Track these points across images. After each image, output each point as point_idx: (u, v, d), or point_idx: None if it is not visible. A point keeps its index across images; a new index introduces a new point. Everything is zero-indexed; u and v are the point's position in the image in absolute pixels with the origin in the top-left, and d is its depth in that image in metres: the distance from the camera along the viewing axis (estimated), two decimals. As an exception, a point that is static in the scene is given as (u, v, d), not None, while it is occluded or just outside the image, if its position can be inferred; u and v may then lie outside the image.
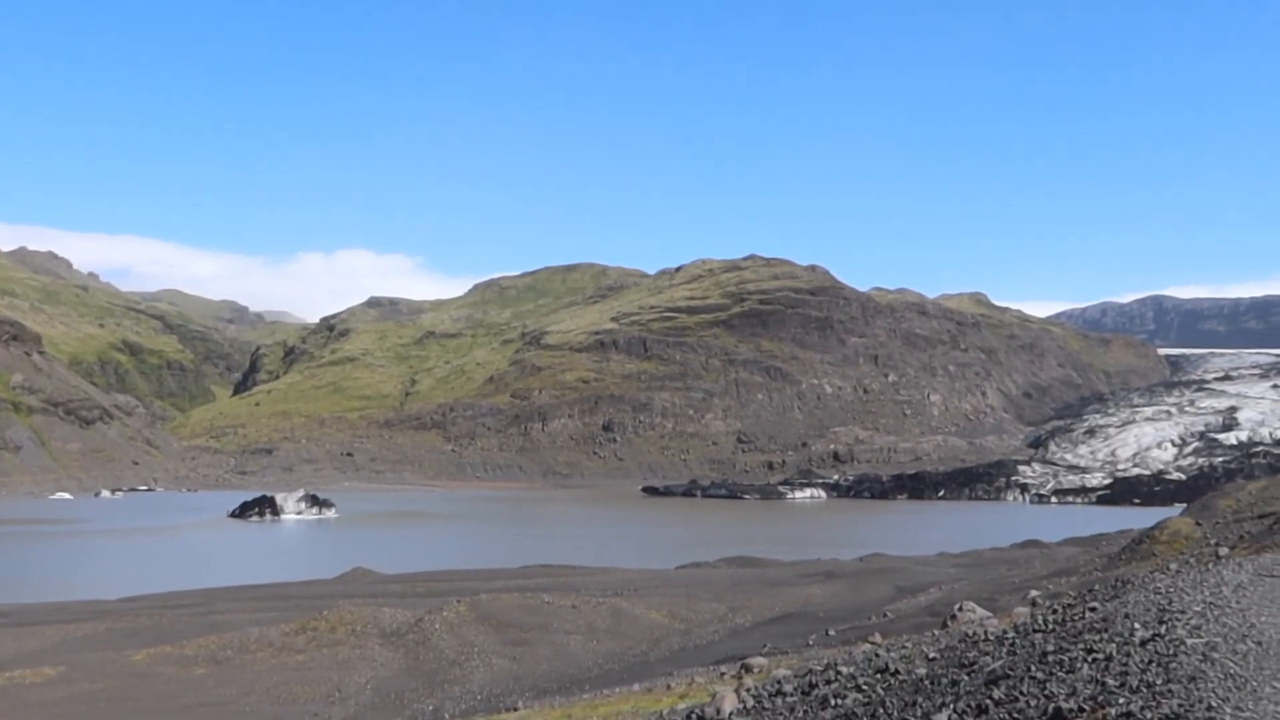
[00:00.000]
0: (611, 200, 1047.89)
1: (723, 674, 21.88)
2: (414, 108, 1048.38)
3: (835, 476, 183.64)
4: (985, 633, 13.76)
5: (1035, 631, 12.24)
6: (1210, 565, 13.86)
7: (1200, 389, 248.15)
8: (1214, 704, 8.89)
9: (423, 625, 37.48)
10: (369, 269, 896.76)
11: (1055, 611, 13.45)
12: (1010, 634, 12.50)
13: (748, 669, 21.06)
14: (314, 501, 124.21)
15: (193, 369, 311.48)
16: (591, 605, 42.87)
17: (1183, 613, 10.65)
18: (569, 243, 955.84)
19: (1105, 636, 10.93)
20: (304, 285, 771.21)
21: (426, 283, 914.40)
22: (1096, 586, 14.70)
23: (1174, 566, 21.68)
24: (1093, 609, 12.44)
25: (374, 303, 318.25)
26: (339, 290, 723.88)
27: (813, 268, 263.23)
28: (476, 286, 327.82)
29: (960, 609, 21.66)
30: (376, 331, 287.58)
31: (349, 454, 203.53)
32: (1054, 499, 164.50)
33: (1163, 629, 10.60)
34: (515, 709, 25.31)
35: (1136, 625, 10.90)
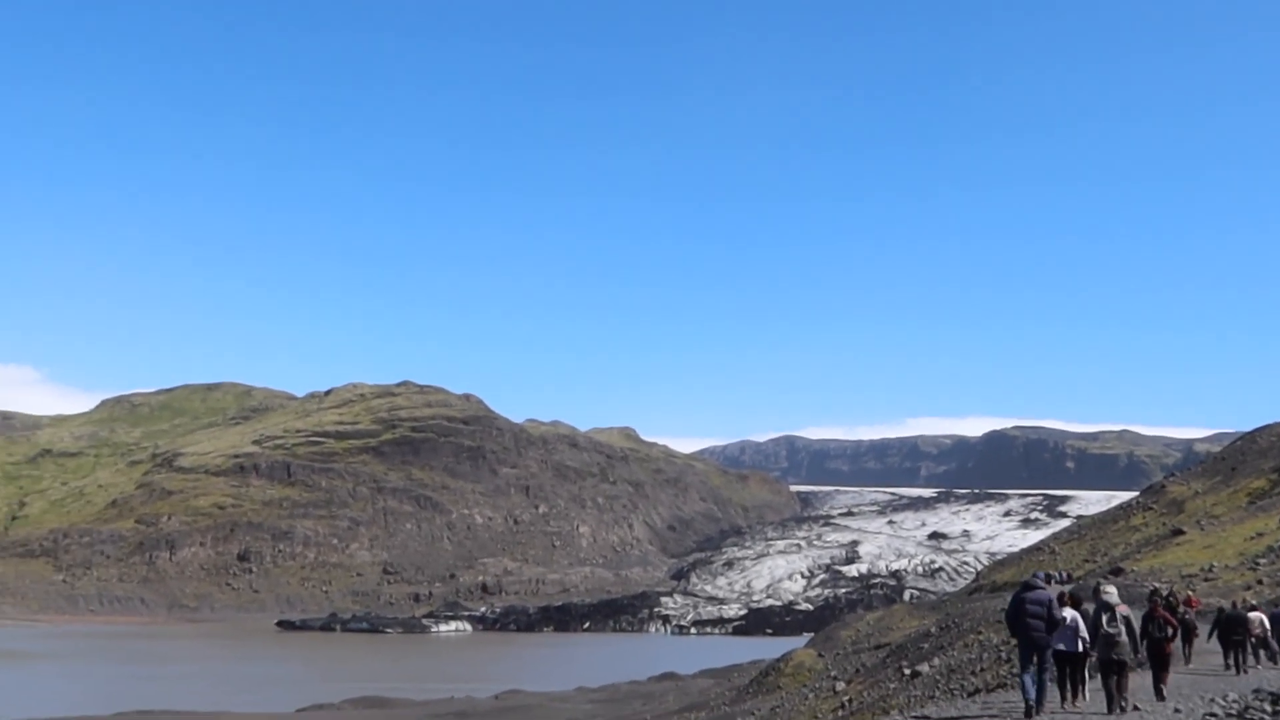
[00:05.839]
0: (259, 318, 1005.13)
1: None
2: (45, 209, 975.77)
3: (482, 609, 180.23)
4: None
5: None
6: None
7: (827, 524, 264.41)
8: None
9: (-34, 790, 31.86)
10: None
11: None
12: None
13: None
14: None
15: None
16: (184, 758, 38.26)
17: None
18: (212, 361, 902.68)
19: None
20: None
21: (51, 397, 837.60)
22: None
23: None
24: None
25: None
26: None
27: (467, 396, 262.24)
28: (105, 402, 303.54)
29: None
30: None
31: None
32: (694, 629, 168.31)
33: None
34: None
35: None
